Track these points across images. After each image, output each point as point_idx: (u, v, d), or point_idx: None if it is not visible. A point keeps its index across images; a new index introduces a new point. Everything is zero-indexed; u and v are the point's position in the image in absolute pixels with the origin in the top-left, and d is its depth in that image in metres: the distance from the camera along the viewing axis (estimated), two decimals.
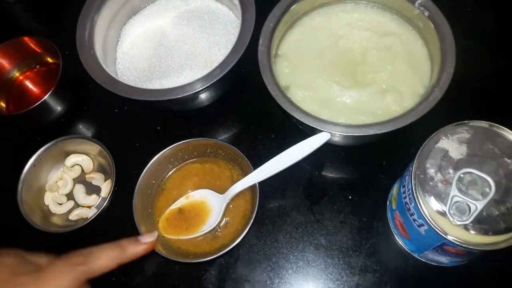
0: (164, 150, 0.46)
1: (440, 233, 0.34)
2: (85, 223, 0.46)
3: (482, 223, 0.33)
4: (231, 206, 0.46)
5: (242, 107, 0.54)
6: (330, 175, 0.50)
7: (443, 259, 0.40)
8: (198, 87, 0.43)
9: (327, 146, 0.50)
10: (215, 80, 0.43)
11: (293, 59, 0.47)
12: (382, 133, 0.39)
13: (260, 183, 0.45)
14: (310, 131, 0.42)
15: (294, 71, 0.46)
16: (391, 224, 0.45)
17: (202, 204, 0.46)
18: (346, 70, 0.46)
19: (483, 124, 0.37)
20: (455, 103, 0.49)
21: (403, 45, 0.46)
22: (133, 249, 0.35)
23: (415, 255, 0.43)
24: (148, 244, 0.36)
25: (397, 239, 0.44)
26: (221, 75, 0.43)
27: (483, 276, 0.43)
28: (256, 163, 0.44)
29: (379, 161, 0.49)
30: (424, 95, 0.41)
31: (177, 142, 0.46)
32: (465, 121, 0.37)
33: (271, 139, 0.52)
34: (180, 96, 0.43)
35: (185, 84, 0.44)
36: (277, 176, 0.49)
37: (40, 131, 0.55)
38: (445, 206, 0.33)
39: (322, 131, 0.41)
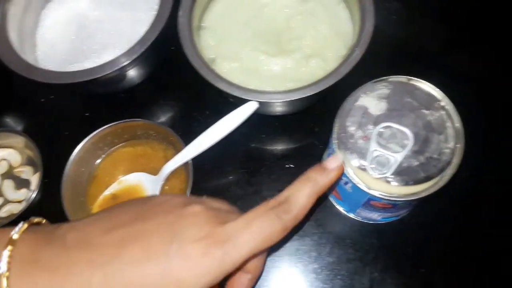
0: (89, 136, 0.44)
1: (363, 188, 0.34)
2: (14, 218, 0.44)
3: (402, 174, 0.34)
4: (166, 187, 0.45)
5: (174, 84, 0.53)
6: (266, 146, 0.49)
7: (375, 216, 0.41)
8: (118, 65, 0.41)
9: (261, 118, 0.50)
10: (135, 56, 0.41)
11: (218, 31, 0.46)
12: (305, 98, 0.38)
13: (195, 160, 0.44)
14: (240, 103, 0.42)
15: (219, 43, 0.45)
16: None
17: (137, 188, 0.45)
18: (271, 39, 0.45)
19: (402, 78, 0.37)
20: (379, 61, 0.51)
21: (325, 9, 0.46)
22: (325, 179, 0.30)
23: (351, 215, 0.44)
24: (337, 170, 0.31)
25: (333, 201, 0.45)
26: (141, 51, 0.41)
27: (415, 230, 0.44)
28: (192, 141, 0.43)
29: (311, 127, 0.49)
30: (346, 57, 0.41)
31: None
32: (384, 78, 0.38)
33: (206, 115, 0.51)
34: (100, 76, 0.41)
35: (104, 63, 0.42)
36: (212, 152, 0.49)
37: None
38: (366, 161, 0.34)
39: (249, 100, 0.40)
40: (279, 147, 0.50)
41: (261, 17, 0.46)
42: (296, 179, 0.30)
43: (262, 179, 0.48)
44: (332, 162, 0.31)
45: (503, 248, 0.43)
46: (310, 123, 0.49)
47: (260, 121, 0.50)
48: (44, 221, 0.29)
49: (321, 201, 0.46)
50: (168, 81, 0.53)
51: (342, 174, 0.33)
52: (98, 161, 0.47)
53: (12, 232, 0.26)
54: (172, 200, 0.29)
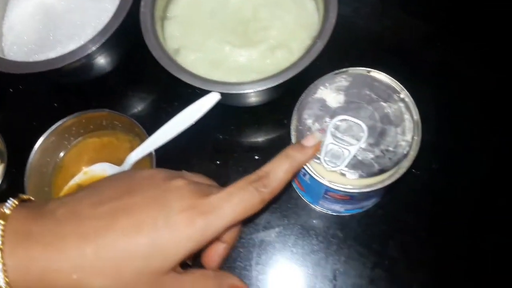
0: (53, 126, 0.44)
1: (319, 179, 0.34)
2: None
3: (357, 167, 0.34)
4: None
5: (143, 76, 0.52)
6: (235, 138, 0.49)
7: (338, 207, 0.41)
8: (79, 55, 0.41)
9: (230, 109, 0.50)
10: (96, 46, 0.41)
11: (184, 21, 0.45)
12: (265, 90, 0.38)
13: (163, 153, 0.44)
14: (205, 94, 0.41)
15: (184, 34, 0.45)
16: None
17: (102, 178, 0.45)
18: (238, 29, 0.45)
19: (361, 71, 0.37)
20: (348, 53, 0.51)
21: (293, 0, 0.45)
22: (302, 156, 0.33)
23: (315, 206, 0.44)
24: (314, 148, 0.33)
25: (298, 192, 0.45)
26: (102, 41, 0.41)
27: (380, 222, 0.44)
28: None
29: (280, 120, 0.49)
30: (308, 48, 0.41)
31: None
32: (344, 69, 0.37)
33: (174, 107, 0.50)
34: (63, 65, 0.41)
35: (67, 52, 0.42)
36: (180, 143, 0.48)
37: None
38: (321, 154, 0.34)
39: (211, 91, 0.40)
40: (248, 139, 0.49)
41: (228, 7, 0.46)
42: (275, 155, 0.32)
43: (230, 171, 0.48)
44: (310, 140, 0.34)
45: (468, 239, 0.43)
46: (280, 115, 0.49)
47: (229, 113, 0.50)
48: (32, 198, 0.30)
49: (289, 194, 0.46)
50: (137, 72, 0.52)
51: (318, 151, 0.34)
52: (64, 151, 0.47)
53: (4, 208, 0.27)
54: (157, 175, 0.30)
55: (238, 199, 0.29)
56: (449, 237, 0.44)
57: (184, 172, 0.33)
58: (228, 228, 0.30)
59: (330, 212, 0.44)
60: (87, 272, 0.26)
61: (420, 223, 0.44)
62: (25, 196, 0.30)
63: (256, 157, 0.48)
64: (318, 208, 0.44)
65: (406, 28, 0.54)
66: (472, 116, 0.49)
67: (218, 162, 0.48)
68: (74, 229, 0.26)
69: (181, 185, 0.29)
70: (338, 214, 0.44)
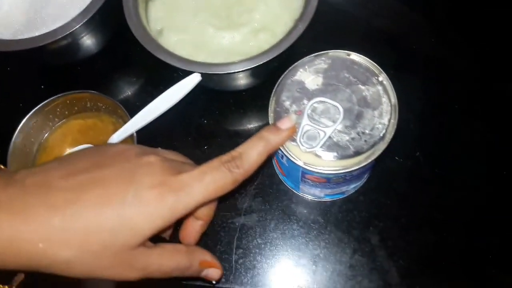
0: (37, 107, 0.44)
1: (294, 161, 0.34)
2: None
3: (332, 148, 0.34)
4: None
5: (130, 58, 0.52)
6: (219, 123, 0.49)
7: (318, 192, 0.41)
8: (60, 34, 0.41)
9: (215, 95, 0.50)
10: (78, 25, 0.41)
11: (168, 2, 0.45)
12: (243, 72, 0.38)
13: (145, 136, 0.44)
14: (186, 75, 0.41)
15: (168, 15, 0.45)
16: (274, 164, 0.46)
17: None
18: (221, 12, 0.45)
19: (341, 53, 0.37)
20: (333, 37, 0.51)
21: None
22: (277, 138, 0.32)
23: (296, 191, 0.44)
24: (289, 130, 0.33)
25: (280, 178, 0.45)
26: (84, 20, 0.41)
27: (361, 208, 0.44)
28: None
29: (265, 105, 0.47)
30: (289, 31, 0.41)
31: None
32: (323, 52, 0.37)
33: (159, 90, 0.50)
34: (45, 44, 0.41)
35: (49, 31, 0.42)
36: (164, 127, 0.49)
37: None
38: (297, 135, 0.34)
39: (192, 72, 0.40)
40: (232, 124, 0.49)
41: None
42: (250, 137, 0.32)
43: (213, 155, 0.47)
44: (285, 122, 0.33)
45: (449, 226, 0.43)
46: (264, 100, 0.47)
47: (214, 98, 0.50)
48: (2, 167, 0.30)
49: (271, 179, 0.46)
50: (124, 55, 0.52)
51: (293, 134, 0.34)
52: (49, 132, 0.47)
53: None
54: (130, 150, 0.30)
55: (210, 178, 0.29)
56: (429, 224, 0.43)
57: (159, 149, 0.33)
58: (200, 206, 0.30)
59: (311, 197, 0.44)
60: (54, 242, 0.26)
61: (401, 210, 0.44)
62: None
63: (240, 142, 0.48)
64: (299, 193, 0.44)
65: (394, 15, 0.54)
66: (458, 105, 0.49)
67: (201, 146, 0.48)
68: (42, 200, 0.27)
69: (153, 161, 0.29)
70: (319, 199, 0.44)
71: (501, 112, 0.48)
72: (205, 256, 0.32)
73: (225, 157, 0.31)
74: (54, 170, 0.28)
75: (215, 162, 0.30)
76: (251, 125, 0.49)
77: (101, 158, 0.29)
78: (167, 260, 0.29)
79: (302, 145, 0.33)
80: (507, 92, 0.49)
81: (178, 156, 0.34)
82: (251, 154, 0.31)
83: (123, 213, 0.27)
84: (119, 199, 0.27)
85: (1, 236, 0.25)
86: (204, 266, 0.32)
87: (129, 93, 0.51)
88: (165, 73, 0.51)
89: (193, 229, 0.33)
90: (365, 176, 0.42)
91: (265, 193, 0.45)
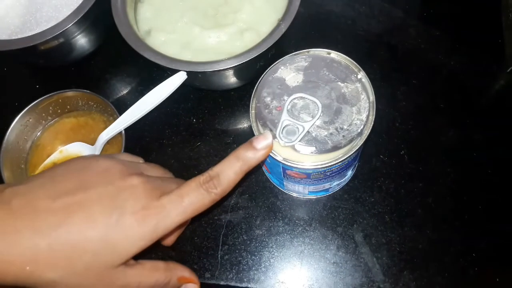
0: (30, 105, 0.46)
1: (275, 156, 0.35)
2: None
3: (311, 143, 0.34)
4: None
5: (122, 59, 0.54)
6: (208, 121, 0.50)
7: (301, 189, 0.42)
8: (51, 34, 0.43)
9: (204, 95, 0.51)
10: (69, 25, 0.43)
11: (156, 3, 0.47)
12: (235, 70, 0.39)
13: (136, 134, 0.45)
14: (173, 74, 0.42)
15: (156, 15, 0.46)
16: None
17: (76, 157, 0.46)
18: (208, 12, 0.46)
19: (321, 52, 0.38)
20: (318, 37, 0.52)
21: None
22: (253, 158, 0.33)
23: (281, 188, 0.45)
24: (265, 150, 0.33)
25: (266, 175, 0.46)
26: (75, 20, 0.43)
27: (346, 206, 0.45)
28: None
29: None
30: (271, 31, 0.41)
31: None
32: (304, 50, 0.38)
33: (150, 90, 0.51)
34: (37, 43, 0.43)
35: (40, 31, 0.43)
36: (154, 125, 0.50)
37: None
38: (277, 130, 0.35)
39: (178, 71, 0.41)
40: (220, 123, 0.50)
41: None
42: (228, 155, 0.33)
43: (201, 153, 0.49)
44: (261, 141, 0.33)
45: (432, 223, 0.44)
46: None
47: (203, 98, 0.51)
48: None
49: (258, 177, 0.47)
50: (116, 55, 0.54)
51: (270, 152, 0.34)
52: (41, 130, 0.48)
53: None
54: (113, 169, 0.31)
55: (189, 201, 0.31)
56: (413, 221, 0.44)
57: (140, 164, 0.35)
58: (180, 225, 0.32)
59: (295, 195, 0.44)
60: (40, 265, 0.27)
61: (385, 207, 0.45)
62: None
63: (228, 141, 0.49)
64: (284, 190, 0.45)
65: (379, 14, 0.55)
66: (443, 104, 0.49)
67: (190, 144, 0.49)
68: (28, 223, 0.27)
69: (135, 183, 0.31)
70: (304, 196, 0.44)
71: (486, 110, 0.49)
72: (184, 272, 0.34)
73: (202, 178, 0.32)
74: (40, 189, 0.29)
75: (193, 183, 0.32)
76: (239, 124, 0.50)
77: (85, 178, 0.30)
78: (146, 277, 0.31)
79: (282, 140, 0.34)
80: (491, 89, 0.50)
81: (159, 170, 0.36)
82: (228, 173, 0.32)
83: (106, 237, 0.28)
84: (103, 223, 0.29)
85: None
86: (182, 282, 0.34)
87: (121, 93, 0.53)
88: (155, 73, 0.52)
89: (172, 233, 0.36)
90: (349, 174, 0.43)
91: (251, 190, 0.46)
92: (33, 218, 0.28)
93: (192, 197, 0.31)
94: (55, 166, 0.33)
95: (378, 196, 0.45)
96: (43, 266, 0.27)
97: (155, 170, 0.36)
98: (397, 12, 0.54)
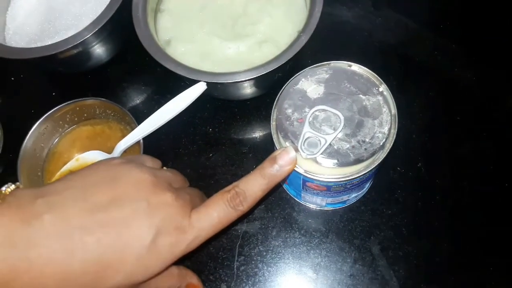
0: (48, 113, 0.46)
1: (296, 168, 0.35)
2: None
3: (333, 156, 0.34)
4: None
5: (139, 67, 0.54)
6: (224, 131, 0.50)
7: (319, 201, 0.42)
8: (71, 43, 0.43)
9: (221, 104, 0.51)
10: (89, 35, 0.43)
11: (176, 13, 0.47)
12: (255, 81, 0.39)
13: (152, 143, 0.45)
14: (192, 84, 0.43)
15: (176, 25, 0.46)
16: None
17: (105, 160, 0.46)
18: (227, 23, 0.46)
19: (342, 64, 0.38)
20: (338, 48, 0.52)
21: None
22: (278, 176, 0.33)
23: (298, 200, 0.44)
24: (290, 166, 0.34)
25: (283, 186, 0.45)
26: (95, 30, 0.43)
27: (363, 218, 0.45)
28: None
29: (268, 115, 0.48)
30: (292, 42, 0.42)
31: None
32: (325, 63, 0.38)
33: (167, 98, 0.51)
34: (56, 52, 0.43)
35: (60, 40, 0.44)
36: (170, 134, 0.50)
37: None
38: (298, 142, 0.35)
39: (198, 81, 0.41)
40: (236, 132, 0.50)
41: (219, 1, 0.47)
42: (251, 171, 0.33)
43: (217, 162, 0.49)
44: (285, 157, 0.34)
45: (450, 236, 0.43)
46: (268, 109, 0.49)
47: (219, 107, 0.51)
48: (20, 186, 0.30)
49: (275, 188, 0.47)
50: (134, 64, 0.54)
51: (294, 167, 0.34)
52: (58, 138, 0.48)
53: None
54: (145, 181, 0.31)
55: (218, 219, 0.32)
56: (430, 234, 0.44)
57: (166, 175, 0.35)
58: None
59: (313, 206, 0.44)
60: (71, 286, 0.28)
61: (402, 220, 0.44)
62: (8, 190, 0.29)
63: (244, 150, 0.49)
64: (301, 202, 0.45)
65: (395, 26, 0.55)
66: (460, 117, 0.49)
67: (206, 154, 0.49)
68: (62, 243, 0.27)
69: (169, 202, 0.31)
70: (321, 208, 0.44)
71: (503, 123, 0.49)
72: (192, 279, 0.35)
73: (229, 196, 0.32)
74: (73, 202, 0.29)
75: (220, 201, 0.32)
76: (255, 134, 0.50)
77: (118, 190, 0.30)
78: (162, 283, 0.32)
79: (303, 152, 0.34)
80: (508, 102, 0.50)
81: (180, 178, 0.37)
82: (254, 190, 0.33)
83: (140, 259, 0.29)
84: (138, 246, 0.29)
85: (23, 276, 0.26)
86: None
87: (138, 101, 0.53)
88: (172, 82, 0.53)
89: None
90: (367, 185, 0.43)
91: (267, 201, 0.46)
92: (67, 236, 0.27)
93: (220, 215, 0.32)
94: (84, 170, 0.32)
95: (395, 208, 0.45)
96: (74, 287, 0.28)
97: (178, 179, 0.36)
98: (413, 25, 0.54)
